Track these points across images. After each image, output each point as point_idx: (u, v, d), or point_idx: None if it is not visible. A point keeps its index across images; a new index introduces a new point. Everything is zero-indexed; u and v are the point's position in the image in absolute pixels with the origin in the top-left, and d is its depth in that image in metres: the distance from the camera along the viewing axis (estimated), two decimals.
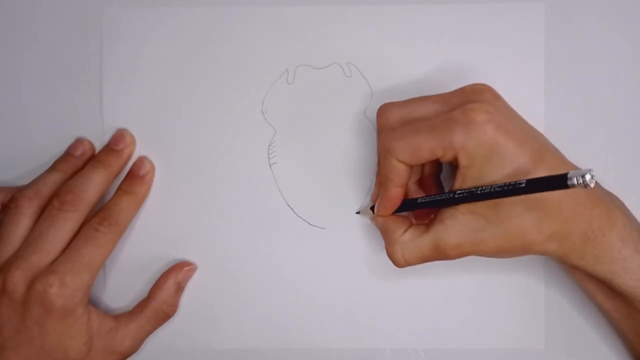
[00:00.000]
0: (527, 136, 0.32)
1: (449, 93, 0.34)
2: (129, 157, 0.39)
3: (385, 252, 0.35)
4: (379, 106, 0.37)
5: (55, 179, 0.37)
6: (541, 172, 0.31)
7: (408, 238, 0.34)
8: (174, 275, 0.38)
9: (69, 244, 0.35)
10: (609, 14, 0.38)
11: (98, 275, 0.36)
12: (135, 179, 0.38)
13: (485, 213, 0.32)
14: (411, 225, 0.35)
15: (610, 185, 0.36)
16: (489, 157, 0.31)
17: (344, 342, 0.39)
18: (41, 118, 0.39)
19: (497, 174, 0.31)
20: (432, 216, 0.35)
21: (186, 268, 0.38)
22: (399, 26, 0.38)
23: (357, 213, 0.39)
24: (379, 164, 0.37)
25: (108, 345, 0.36)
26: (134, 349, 0.37)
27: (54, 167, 0.38)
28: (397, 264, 0.34)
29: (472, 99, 0.33)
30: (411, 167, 0.34)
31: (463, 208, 0.32)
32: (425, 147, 0.32)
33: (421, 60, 0.38)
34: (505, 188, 0.30)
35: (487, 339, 0.38)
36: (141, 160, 0.39)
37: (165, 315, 0.38)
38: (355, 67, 0.39)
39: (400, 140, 0.32)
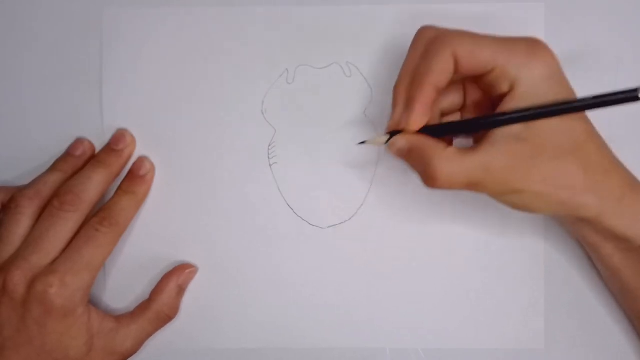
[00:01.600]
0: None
1: None
2: (129, 157, 0.39)
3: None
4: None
5: (56, 179, 0.37)
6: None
7: (454, 153, 0.31)
8: (176, 278, 0.38)
9: (69, 243, 0.35)
10: (608, 13, 0.38)
11: (98, 276, 0.36)
12: (135, 179, 0.38)
13: (536, 143, 0.30)
14: (451, 144, 0.33)
15: None
16: (550, 83, 0.30)
17: (344, 342, 0.39)
18: (41, 118, 0.39)
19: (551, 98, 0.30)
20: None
21: (187, 270, 0.38)
22: (399, 26, 0.38)
23: (361, 143, 0.36)
24: (405, 72, 0.33)
25: (108, 345, 0.36)
26: (134, 350, 0.37)
27: (54, 167, 0.38)
28: (438, 181, 0.31)
29: None
30: (454, 73, 0.31)
31: (516, 132, 0.30)
32: (490, 48, 0.30)
33: None
34: (571, 105, 0.29)
35: (487, 339, 0.38)
36: (141, 160, 0.39)
37: (167, 317, 0.38)
38: (355, 67, 0.39)
39: (465, 36, 0.31)
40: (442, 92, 0.32)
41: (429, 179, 0.31)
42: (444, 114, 0.36)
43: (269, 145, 0.39)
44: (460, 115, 0.36)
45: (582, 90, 0.38)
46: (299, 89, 0.39)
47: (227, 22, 0.39)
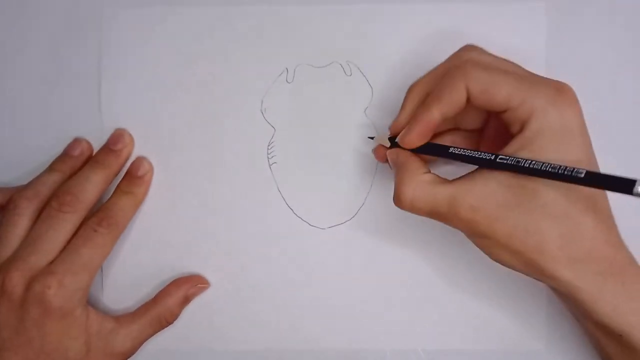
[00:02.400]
0: (591, 147, 0.30)
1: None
2: (128, 157, 0.39)
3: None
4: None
5: (54, 179, 0.37)
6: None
7: (427, 179, 0.31)
8: (186, 287, 0.38)
9: (68, 244, 0.35)
10: (609, 13, 0.38)
11: (96, 277, 0.36)
12: (133, 179, 0.38)
13: (522, 192, 0.29)
14: (430, 171, 0.32)
15: None
16: (562, 137, 0.28)
17: (344, 343, 0.39)
18: (39, 118, 0.39)
19: (557, 159, 0.28)
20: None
21: (200, 285, 0.38)
22: (400, 25, 0.38)
23: (370, 138, 0.37)
24: (426, 79, 0.33)
25: (108, 346, 0.36)
26: (133, 350, 0.37)
27: (52, 168, 0.38)
28: (401, 202, 0.31)
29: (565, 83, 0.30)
30: (465, 106, 0.30)
31: (502, 177, 0.29)
32: (505, 89, 0.29)
33: (422, 59, 0.38)
34: (560, 171, 0.27)
35: (488, 340, 0.38)
36: (140, 160, 0.38)
37: (165, 322, 0.38)
38: (356, 66, 0.39)
39: (483, 71, 0.29)
40: (450, 118, 0.32)
41: (395, 198, 0.32)
42: (460, 128, 0.35)
43: (269, 145, 0.39)
44: (482, 132, 0.35)
45: (584, 89, 0.38)
46: (299, 88, 0.39)
47: (226, 21, 0.39)
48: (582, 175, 0.26)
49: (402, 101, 0.34)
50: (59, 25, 0.39)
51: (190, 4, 0.39)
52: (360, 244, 0.39)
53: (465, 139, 0.35)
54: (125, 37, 0.39)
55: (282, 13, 0.39)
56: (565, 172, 0.27)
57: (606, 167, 0.38)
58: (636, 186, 0.25)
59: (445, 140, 0.35)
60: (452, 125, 0.35)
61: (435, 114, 0.31)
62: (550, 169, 0.27)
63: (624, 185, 0.25)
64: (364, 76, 0.39)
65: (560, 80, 0.31)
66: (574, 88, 0.38)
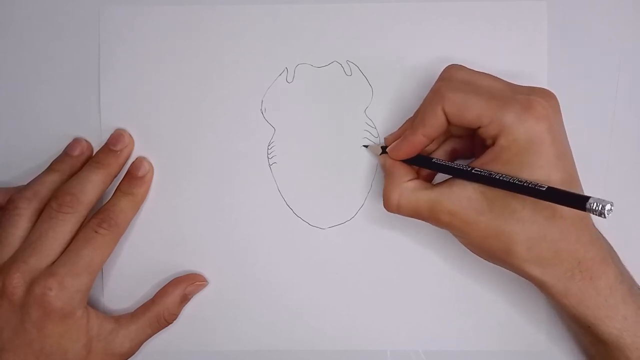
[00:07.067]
0: (567, 155, 0.32)
1: (519, 85, 0.34)
2: (128, 157, 0.38)
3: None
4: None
5: (53, 179, 0.37)
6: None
7: (410, 187, 0.34)
8: (184, 286, 0.38)
9: (68, 245, 0.35)
10: (610, 11, 0.38)
11: (96, 278, 0.36)
12: (134, 180, 0.38)
13: (494, 200, 0.32)
14: (417, 177, 0.35)
15: (611, 185, 0.36)
16: (527, 151, 0.31)
17: (344, 344, 0.39)
18: (39, 118, 0.39)
19: (524, 171, 0.31)
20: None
21: (197, 282, 0.38)
22: (400, 24, 0.38)
23: (364, 146, 0.38)
24: (419, 110, 0.36)
25: (108, 347, 0.36)
26: (133, 351, 0.37)
27: (51, 168, 0.38)
28: (389, 206, 0.35)
29: (540, 95, 0.32)
30: (447, 125, 0.33)
31: (477, 184, 0.32)
32: (476, 110, 0.31)
33: (422, 59, 0.38)
34: (525, 184, 0.30)
35: (489, 341, 0.38)
36: (140, 160, 0.38)
37: (165, 322, 0.38)
38: (356, 66, 0.38)
39: (456, 92, 0.32)
40: (435, 138, 0.35)
41: (383, 202, 0.35)
42: (454, 136, 0.37)
43: (269, 145, 0.39)
44: (472, 138, 0.36)
45: (586, 88, 0.38)
46: (299, 88, 0.39)
47: (226, 21, 0.39)
48: (544, 190, 0.29)
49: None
50: (56, 24, 0.39)
51: (188, 3, 0.38)
52: (359, 244, 0.39)
53: (460, 144, 0.37)
54: (122, 36, 0.39)
55: (281, 12, 0.38)
56: (528, 186, 0.30)
57: (608, 164, 0.38)
58: (588, 203, 0.28)
59: (445, 146, 0.37)
60: (449, 134, 0.37)
61: (420, 137, 0.34)
62: (517, 182, 0.30)
63: (578, 202, 0.28)
64: (364, 76, 0.38)
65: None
66: (576, 86, 0.38)
